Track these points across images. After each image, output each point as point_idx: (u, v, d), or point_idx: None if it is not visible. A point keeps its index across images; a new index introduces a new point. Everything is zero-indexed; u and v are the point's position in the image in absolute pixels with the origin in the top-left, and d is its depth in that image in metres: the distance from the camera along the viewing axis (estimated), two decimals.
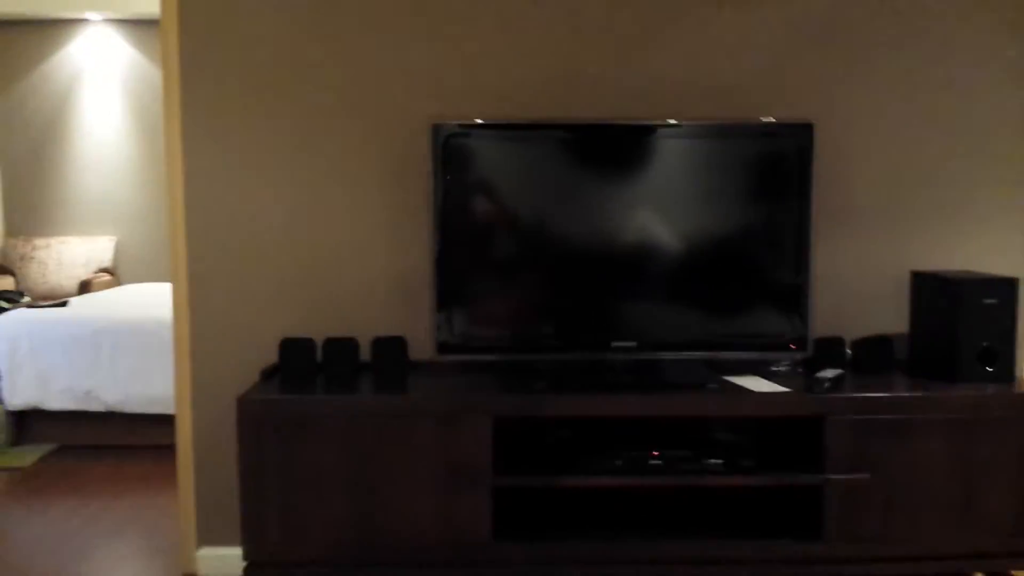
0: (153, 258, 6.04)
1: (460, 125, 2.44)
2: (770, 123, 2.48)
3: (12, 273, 5.88)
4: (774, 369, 2.60)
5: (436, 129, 2.43)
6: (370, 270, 2.67)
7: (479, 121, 2.46)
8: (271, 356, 2.64)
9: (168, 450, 3.82)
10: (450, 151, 2.43)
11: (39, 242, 5.97)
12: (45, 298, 5.55)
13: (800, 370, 2.60)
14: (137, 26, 5.99)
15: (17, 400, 4.03)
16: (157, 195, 6.04)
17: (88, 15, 5.93)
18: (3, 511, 3.41)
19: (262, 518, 2.34)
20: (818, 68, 2.65)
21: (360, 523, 2.34)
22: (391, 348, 2.61)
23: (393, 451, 2.32)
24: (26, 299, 5.53)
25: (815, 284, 2.50)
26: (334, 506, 2.34)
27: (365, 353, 2.63)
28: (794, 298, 2.47)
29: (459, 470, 2.31)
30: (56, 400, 4.02)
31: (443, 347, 2.47)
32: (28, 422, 4.09)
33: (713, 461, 2.37)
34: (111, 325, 4.08)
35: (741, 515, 2.55)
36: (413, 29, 2.60)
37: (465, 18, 2.60)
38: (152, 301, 4.53)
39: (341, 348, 2.60)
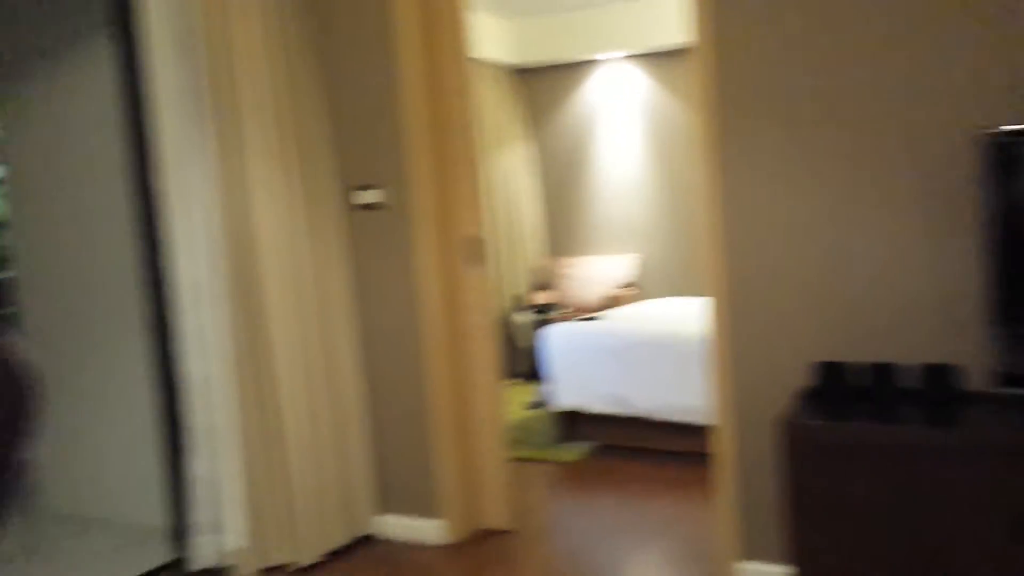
0: (672, 274, 6.46)
1: (1014, 132, 2.21)
2: None
3: (550, 288, 6.73)
4: None
5: (985, 138, 2.24)
6: (909, 291, 2.55)
7: None
8: (803, 375, 2.67)
9: (693, 457, 4.08)
10: (1003, 160, 2.22)
11: (571, 261, 6.74)
12: (578, 311, 6.25)
13: None
14: (650, 59, 6.46)
15: (564, 402, 4.60)
16: (674, 215, 6.45)
17: (605, 55, 6.55)
18: (557, 500, 3.92)
19: (808, 543, 2.36)
20: None
21: (905, 565, 2.24)
22: (938, 376, 2.46)
23: (942, 490, 2.18)
24: (557, 311, 6.30)
25: None
26: (878, 541, 2.27)
27: (903, 379, 2.52)
28: None
29: None
30: (595, 403, 4.50)
31: (1004, 378, 2.26)
32: (573, 422, 4.64)
33: None
34: (639, 337, 4.45)
35: None
36: (952, 39, 2.42)
37: (1009, 20, 2.36)
38: (673, 315, 4.85)
39: (881, 374, 2.53)
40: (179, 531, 3.25)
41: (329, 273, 3.41)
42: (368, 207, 3.44)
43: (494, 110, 6.53)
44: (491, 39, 6.49)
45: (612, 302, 6.12)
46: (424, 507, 3.46)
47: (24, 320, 4.10)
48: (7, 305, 4.27)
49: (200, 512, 3.15)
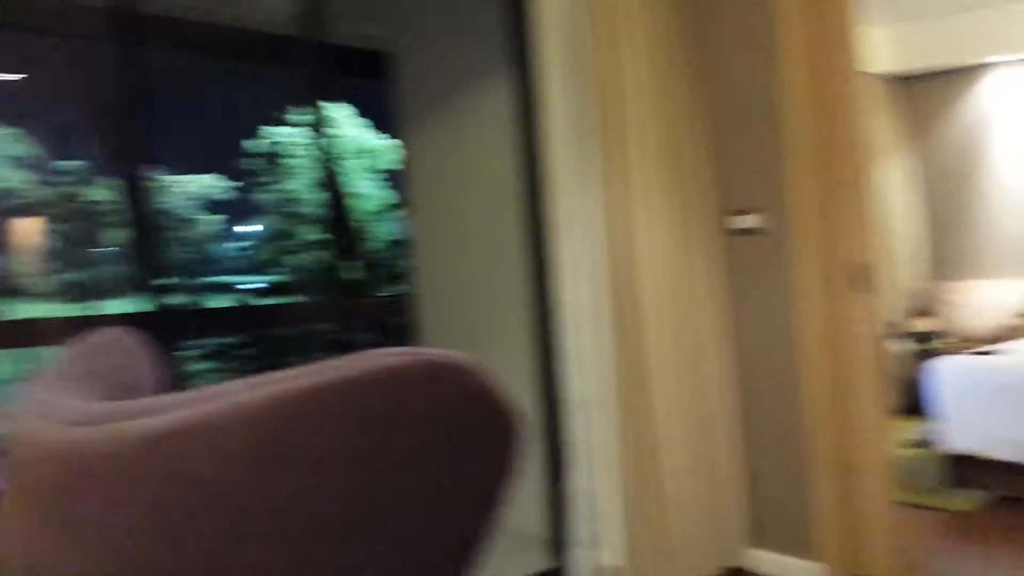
0: None
1: None
2: None
3: (931, 315, 6.12)
4: None
5: None
6: None
7: None
8: None
9: None
10: None
11: (957, 285, 6.08)
12: (966, 342, 5.61)
13: None
14: None
15: (956, 444, 4.15)
16: None
17: (1000, 58, 5.86)
18: (949, 554, 3.54)
19: None
20: None
21: None
22: None
23: None
24: (940, 340, 5.69)
25: None
26: None
27: None
28: None
29: None
30: (994, 449, 4.00)
31: None
32: (965, 467, 4.16)
33: None
34: None
35: None
36: None
37: None
38: None
39: None
40: (558, 542, 3.40)
41: (703, 299, 3.38)
42: (745, 232, 3.36)
43: (870, 123, 6.11)
44: (868, 48, 6.10)
45: (1010, 333, 5.41)
46: (798, 546, 3.30)
47: (421, 333, 4.57)
48: (408, 317, 4.79)
49: (578, 526, 3.27)
